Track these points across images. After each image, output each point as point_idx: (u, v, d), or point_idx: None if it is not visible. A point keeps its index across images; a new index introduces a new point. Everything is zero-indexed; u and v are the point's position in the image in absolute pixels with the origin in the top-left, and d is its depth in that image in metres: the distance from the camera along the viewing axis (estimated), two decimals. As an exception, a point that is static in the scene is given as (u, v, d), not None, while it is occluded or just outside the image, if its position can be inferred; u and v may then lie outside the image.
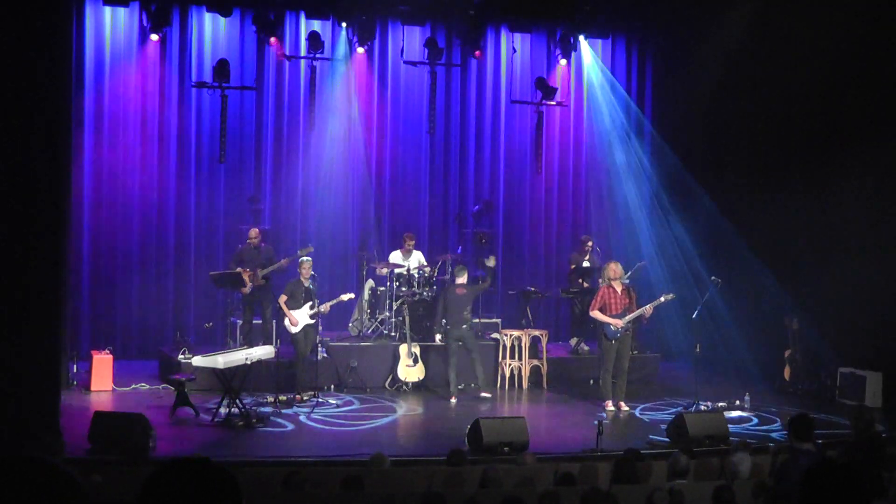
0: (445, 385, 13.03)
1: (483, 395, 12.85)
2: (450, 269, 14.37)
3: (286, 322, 12.45)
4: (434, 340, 13.28)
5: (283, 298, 12.51)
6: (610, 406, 12.11)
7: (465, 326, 12.92)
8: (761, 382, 13.81)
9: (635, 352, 13.31)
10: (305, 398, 12.10)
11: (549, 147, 16.38)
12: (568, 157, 16.72)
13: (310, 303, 12.43)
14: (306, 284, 12.51)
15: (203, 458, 2.50)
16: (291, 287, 12.58)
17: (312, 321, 12.47)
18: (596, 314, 12.07)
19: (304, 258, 12.72)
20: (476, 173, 16.33)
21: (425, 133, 15.82)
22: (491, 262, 13.34)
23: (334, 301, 12.62)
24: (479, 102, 16.29)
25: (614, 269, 12.13)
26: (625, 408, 12.14)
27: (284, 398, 12.01)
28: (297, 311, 12.39)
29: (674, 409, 11.98)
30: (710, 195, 15.73)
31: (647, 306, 12.05)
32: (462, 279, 12.95)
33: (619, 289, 12.07)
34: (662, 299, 12.15)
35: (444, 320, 12.86)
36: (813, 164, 14.22)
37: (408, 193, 15.95)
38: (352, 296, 12.80)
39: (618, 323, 11.88)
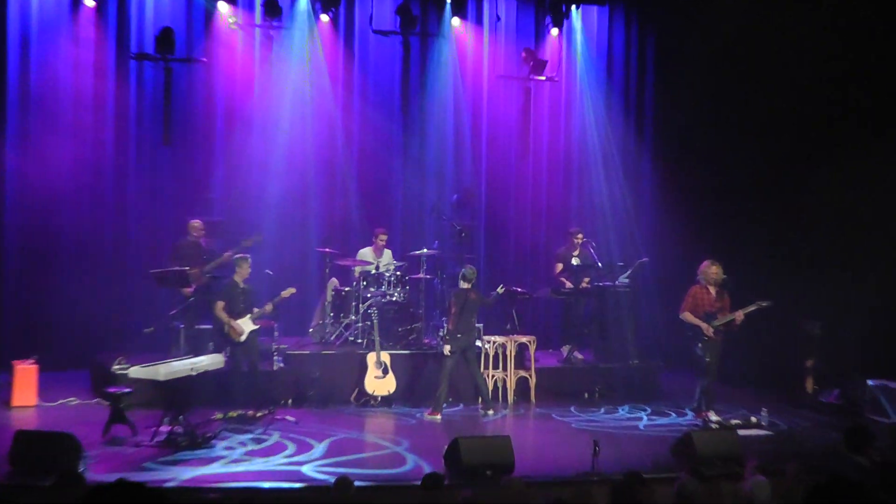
0: (421, 398, 12.49)
1: (490, 412, 12.27)
2: (424, 267, 13.94)
3: (226, 330, 11.82)
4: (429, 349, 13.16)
5: (220, 305, 11.90)
6: (713, 416, 11.76)
7: (474, 334, 12.61)
8: (779, 395, 13.47)
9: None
10: (233, 415, 11.37)
11: (538, 128, 16.09)
12: (558, 139, 16.29)
13: (250, 306, 11.93)
14: (242, 286, 11.99)
15: (138, 483, 2.99)
16: (227, 290, 12.01)
17: (257, 326, 11.94)
18: (687, 316, 11.78)
19: (241, 255, 12.16)
20: (455, 158, 15.85)
21: (398, 112, 15.43)
22: (500, 290, 12.81)
23: (277, 299, 11.97)
24: (458, 77, 15.77)
25: (716, 271, 11.72)
26: (714, 417, 11.74)
27: (235, 414, 11.26)
28: (239, 318, 11.84)
29: (680, 426, 11.66)
30: (716, 180, 15.19)
31: (739, 311, 11.62)
32: (468, 284, 12.50)
33: (713, 290, 11.76)
34: (754, 307, 11.54)
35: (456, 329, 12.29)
36: (839, 146, 13.67)
37: (378, 181, 15.53)
38: (293, 290, 12.17)
39: (708, 328, 11.60)
